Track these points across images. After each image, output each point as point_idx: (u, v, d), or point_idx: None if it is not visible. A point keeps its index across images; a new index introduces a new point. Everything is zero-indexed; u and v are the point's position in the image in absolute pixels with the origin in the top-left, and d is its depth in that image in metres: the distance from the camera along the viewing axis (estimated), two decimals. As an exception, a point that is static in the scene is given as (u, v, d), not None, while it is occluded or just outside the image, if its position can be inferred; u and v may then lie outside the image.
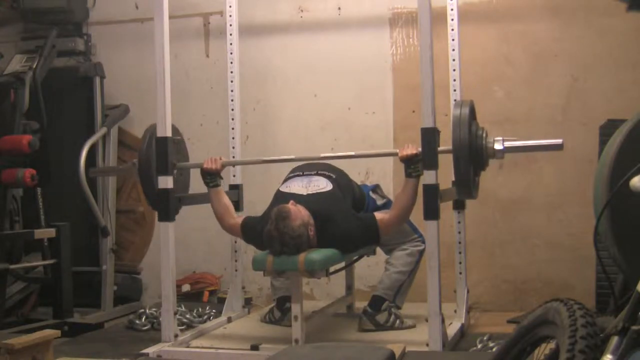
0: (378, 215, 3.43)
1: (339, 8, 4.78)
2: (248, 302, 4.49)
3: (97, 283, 4.78)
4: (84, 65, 5.00)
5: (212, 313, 4.32)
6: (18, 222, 4.56)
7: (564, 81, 4.39)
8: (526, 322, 1.90)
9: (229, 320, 4.02)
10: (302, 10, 4.85)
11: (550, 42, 4.41)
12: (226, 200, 3.62)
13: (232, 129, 4.18)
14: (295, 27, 4.86)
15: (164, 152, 3.49)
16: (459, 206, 3.95)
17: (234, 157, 4.15)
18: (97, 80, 4.94)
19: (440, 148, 3.18)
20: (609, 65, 4.29)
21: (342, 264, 3.78)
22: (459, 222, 3.95)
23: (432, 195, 3.12)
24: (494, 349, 3.22)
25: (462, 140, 3.11)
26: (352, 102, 4.73)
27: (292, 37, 4.86)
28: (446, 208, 3.77)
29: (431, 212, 3.14)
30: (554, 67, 4.41)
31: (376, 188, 3.90)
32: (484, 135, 3.23)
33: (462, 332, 3.67)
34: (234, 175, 4.14)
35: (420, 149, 3.21)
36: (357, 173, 4.37)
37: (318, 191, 3.46)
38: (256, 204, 3.99)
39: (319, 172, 3.59)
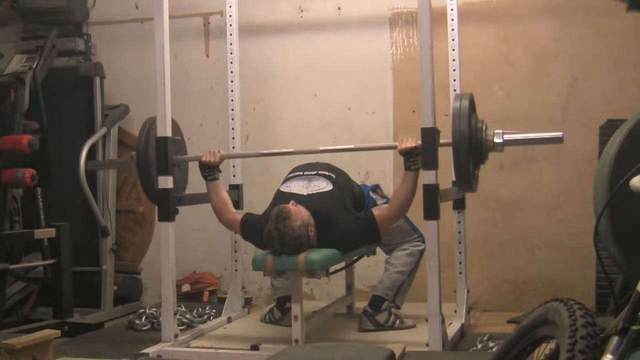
0: (376, 211, 3.43)
1: (339, 8, 4.78)
2: (248, 302, 4.49)
3: (97, 283, 4.78)
4: (84, 65, 5.00)
5: (212, 313, 4.32)
6: (18, 222, 4.56)
7: (564, 81, 4.39)
8: (526, 322, 1.90)
9: (229, 320, 4.02)
10: (302, 10, 4.85)
11: (550, 42, 4.41)
12: (224, 194, 3.63)
13: (232, 129, 4.17)
14: (295, 27, 4.86)
15: (164, 152, 3.49)
16: (459, 206, 3.95)
17: (234, 157, 4.16)
18: (97, 80, 4.94)
19: (441, 141, 3.17)
20: (609, 65, 4.29)
21: (342, 264, 3.78)
22: (459, 222, 3.95)
23: (432, 195, 3.12)
24: (494, 349, 3.22)
25: (462, 133, 3.11)
26: (352, 102, 4.73)
27: (292, 37, 4.86)
28: (446, 208, 3.77)
29: (431, 212, 3.13)
30: (554, 67, 4.41)
31: (376, 188, 3.90)
32: (484, 128, 3.23)
33: (462, 332, 3.67)
34: (234, 176, 4.14)
35: (419, 142, 3.20)
36: (357, 173, 4.37)
37: (318, 191, 3.46)
38: (256, 204, 3.99)
39: (319, 172, 3.59)
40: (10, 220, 4.47)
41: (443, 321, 3.19)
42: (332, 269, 3.45)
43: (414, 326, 3.62)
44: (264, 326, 3.87)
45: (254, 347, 3.30)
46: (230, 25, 4.19)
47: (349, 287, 4.15)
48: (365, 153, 4.62)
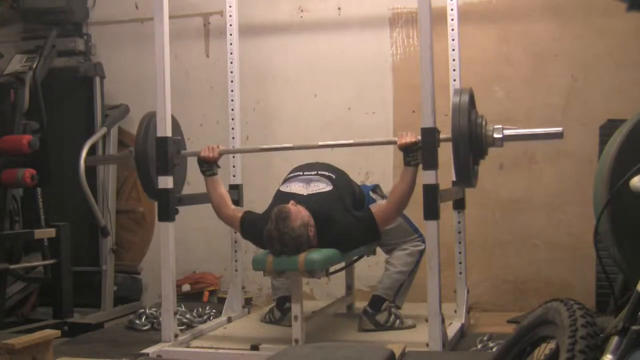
0: (374, 208, 3.43)
1: (339, 8, 4.78)
2: (248, 302, 4.49)
3: (97, 283, 4.78)
4: (84, 65, 5.00)
5: (212, 313, 4.32)
6: (18, 222, 4.56)
7: (564, 81, 4.39)
8: (526, 322, 1.90)
9: (229, 320, 4.02)
10: (302, 10, 4.85)
11: (550, 42, 4.41)
12: (222, 190, 3.63)
13: (232, 129, 4.17)
14: (295, 27, 4.86)
15: (164, 152, 3.48)
16: (459, 206, 3.95)
17: (233, 157, 4.15)
18: (97, 80, 4.94)
19: (440, 136, 3.17)
20: (609, 65, 4.29)
21: (342, 264, 3.78)
22: (459, 222, 3.95)
23: (432, 195, 3.12)
24: (494, 349, 3.22)
25: (462, 127, 3.11)
26: (352, 102, 4.73)
27: (292, 37, 4.86)
28: (446, 208, 3.77)
29: (431, 212, 3.13)
30: (554, 67, 4.41)
31: (376, 188, 3.90)
32: (484, 123, 3.23)
33: (462, 332, 3.67)
34: (233, 176, 4.14)
35: (419, 137, 3.20)
36: (357, 173, 4.37)
37: (318, 191, 3.46)
38: (256, 204, 3.99)
39: (319, 172, 3.59)
40: (10, 220, 4.47)
41: (443, 321, 3.19)
42: (332, 269, 3.45)
43: (414, 326, 3.62)
44: (264, 326, 3.87)
45: (254, 347, 3.30)
46: (230, 25, 4.19)
47: (349, 287, 4.15)
48: (365, 153, 4.62)
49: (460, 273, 3.92)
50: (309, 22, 4.84)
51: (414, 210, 3.37)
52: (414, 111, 4.43)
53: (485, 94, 4.35)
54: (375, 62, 4.70)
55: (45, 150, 4.45)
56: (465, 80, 4.04)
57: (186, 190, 4.09)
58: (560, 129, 3.29)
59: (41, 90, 4.53)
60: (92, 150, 4.71)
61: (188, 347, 3.47)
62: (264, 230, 3.24)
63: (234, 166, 4.15)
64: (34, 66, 4.59)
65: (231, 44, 4.18)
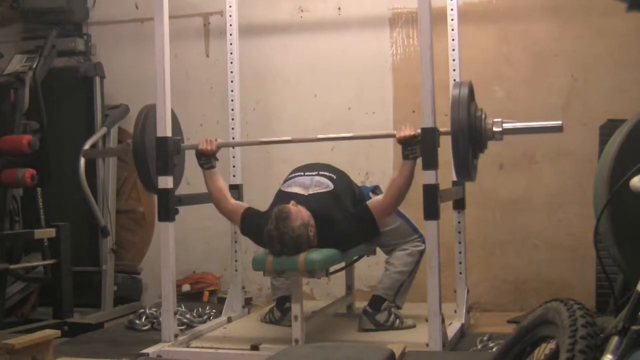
0: (370, 203, 3.43)
1: (339, 8, 4.78)
2: (248, 302, 4.49)
3: (97, 283, 4.78)
4: (84, 65, 5.00)
5: (212, 313, 4.32)
6: (18, 222, 4.56)
7: (564, 81, 4.39)
8: (526, 322, 1.90)
9: (229, 320, 4.03)
10: (302, 10, 4.85)
11: (550, 42, 4.41)
12: (221, 183, 3.63)
13: (232, 129, 4.17)
14: (295, 27, 4.86)
15: (164, 152, 3.48)
16: (459, 206, 3.95)
17: (234, 157, 4.15)
18: (97, 80, 4.94)
19: (440, 129, 3.17)
20: (609, 65, 4.29)
21: (342, 264, 3.78)
22: (459, 222, 3.95)
23: (432, 195, 3.12)
24: (494, 349, 3.22)
25: (461, 120, 3.10)
26: (352, 102, 4.73)
27: (292, 37, 4.86)
28: (446, 208, 3.77)
29: (431, 212, 3.13)
30: (554, 67, 4.41)
31: (376, 189, 3.90)
32: (483, 116, 3.22)
33: (462, 332, 3.67)
34: (234, 176, 4.14)
35: (418, 131, 3.19)
36: (356, 174, 4.37)
37: (319, 191, 3.47)
38: (256, 204, 3.97)
39: (320, 172, 3.60)
40: (10, 220, 4.48)
41: (443, 321, 3.19)
42: (332, 269, 3.45)
43: (414, 326, 3.62)
44: (264, 326, 3.87)
45: (254, 347, 3.30)
46: (230, 25, 4.19)
47: (349, 287, 4.15)
48: (365, 153, 4.63)
49: (460, 273, 3.92)
50: (309, 22, 4.84)
51: (414, 210, 3.37)
52: (414, 111, 4.43)
53: (485, 94, 4.34)
54: (375, 62, 4.70)
55: (45, 150, 4.45)
56: (465, 80, 4.03)
57: (186, 190, 4.10)
58: (559, 122, 3.28)
59: (41, 90, 4.53)
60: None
61: (188, 347, 3.47)
62: (264, 230, 3.24)
63: (234, 166, 4.15)
64: (34, 66, 4.59)
65: (231, 44, 4.18)
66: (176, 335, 3.47)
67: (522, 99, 4.44)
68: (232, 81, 4.17)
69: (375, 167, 4.64)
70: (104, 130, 4.84)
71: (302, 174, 3.63)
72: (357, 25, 4.76)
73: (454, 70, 3.97)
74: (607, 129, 3.77)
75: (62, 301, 4.30)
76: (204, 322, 4.14)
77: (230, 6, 4.21)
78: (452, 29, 4.00)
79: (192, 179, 4.08)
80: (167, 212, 3.47)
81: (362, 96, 4.72)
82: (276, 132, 4.83)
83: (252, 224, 3.47)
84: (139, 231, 5.15)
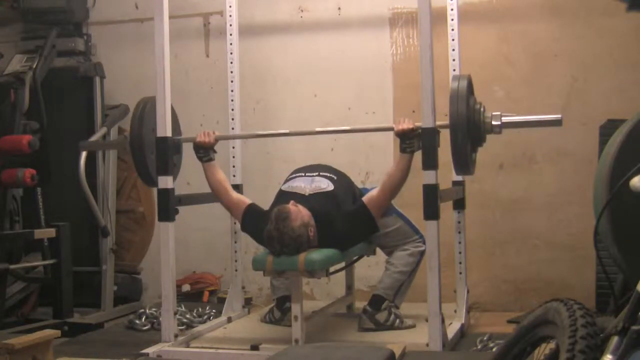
0: (366, 198, 3.42)
1: (339, 8, 4.78)
2: (248, 302, 4.50)
3: (97, 283, 4.78)
4: (84, 65, 5.00)
5: (212, 313, 4.32)
6: (18, 222, 4.57)
7: (564, 81, 4.39)
8: (526, 322, 1.90)
9: (229, 320, 4.02)
10: (302, 10, 4.85)
11: (550, 42, 4.41)
12: (220, 175, 3.62)
13: (232, 129, 4.17)
14: (295, 27, 4.86)
15: (164, 152, 3.48)
16: (459, 206, 3.95)
17: (234, 157, 4.15)
18: (97, 80, 4.94)
19: (438, 123, 3.16)
20: (609, 65, 4.29)
21: (342, 264, 3.78)
22: (459, 222, 3.95)
23: (432, 195, 3.12)
24: (494, 349, 3.22)
25: (460, 113, 3.09)
26: (352, 102, 4.73)
27: (292, 37, 4.86)
28: (446, 208, 3.77)
29: (431, 212, 3.13)
30: (554, 67, 4.41)
31: (376, 190, 3.90)
32: (482, 110, 3.22)
33: (462, 332, 3.67)
34: (234, 176, 4.14)
35: (417, 124, 3.19)
36: (356, 174, 4.37)
37: (319, 191, 3.47)
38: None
39: (321, 173, 3.60)
40: (10, 220, 4.48)
41: (443, 321, 3.19)
42: (332, 269, 3.45)
43: (414, 326, 3.62)
44: (264, 326, 3.87)
45: (254, 347, 3.30)
46: (230, 25, 4.19)
47: (349, 287, 4.15)
48: (365, 154, 4.63)
49: (460, 273, 3.92)
50: (309, 22, 4.84)
51: (414, 210, 3.37)
52: (414, 111, 4.41)
53: (485, 94, 4.34)
54: (375, 62, 4.70)
55: (45, 150, 4.46)
56: (465, 80, 4.04)
57: (186, 190, 4.10)
58: (559, 116, 3.27)
59: (41, 90, 4.53)
60: (92, 150, 4.72)
61: (188, 347, 3.47)
62: (264, 230, 3.25)
63: (234, 166, 4.15)
64: (34, 66, 4.59)
65: (231, 44, 4.18)
66: (176, 335, 3.47)
67: (522, 99, 4.44)
68: (232, 81, 4.17)
69: (375, 168, 4.64)
70: (104, 130, 4.84)
71: (303, 174, 3.64)
72: (357, 25, 4.76)
73: (454, 70, 3.96)
74: (607, 129, 3.78)
75: (62, 301, 4.30)
76: (204, 322, 4.14)
77: (230, 6, 4.21)
78: (452, 29, 4.00)
79: (192, 179, 4.08)
80: (167, 212, 3.46)
81: (362, 96, 4.72)
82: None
83: (253, 222, 3.47)
84: (139, 231, 5.15)
